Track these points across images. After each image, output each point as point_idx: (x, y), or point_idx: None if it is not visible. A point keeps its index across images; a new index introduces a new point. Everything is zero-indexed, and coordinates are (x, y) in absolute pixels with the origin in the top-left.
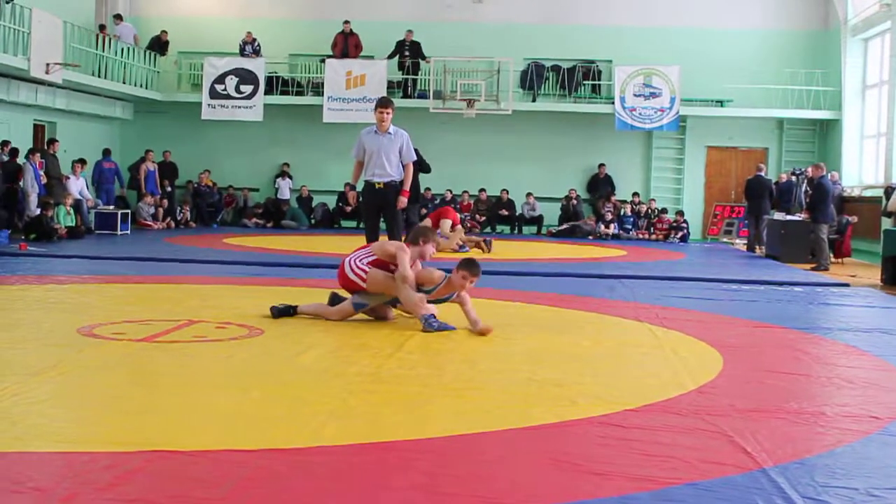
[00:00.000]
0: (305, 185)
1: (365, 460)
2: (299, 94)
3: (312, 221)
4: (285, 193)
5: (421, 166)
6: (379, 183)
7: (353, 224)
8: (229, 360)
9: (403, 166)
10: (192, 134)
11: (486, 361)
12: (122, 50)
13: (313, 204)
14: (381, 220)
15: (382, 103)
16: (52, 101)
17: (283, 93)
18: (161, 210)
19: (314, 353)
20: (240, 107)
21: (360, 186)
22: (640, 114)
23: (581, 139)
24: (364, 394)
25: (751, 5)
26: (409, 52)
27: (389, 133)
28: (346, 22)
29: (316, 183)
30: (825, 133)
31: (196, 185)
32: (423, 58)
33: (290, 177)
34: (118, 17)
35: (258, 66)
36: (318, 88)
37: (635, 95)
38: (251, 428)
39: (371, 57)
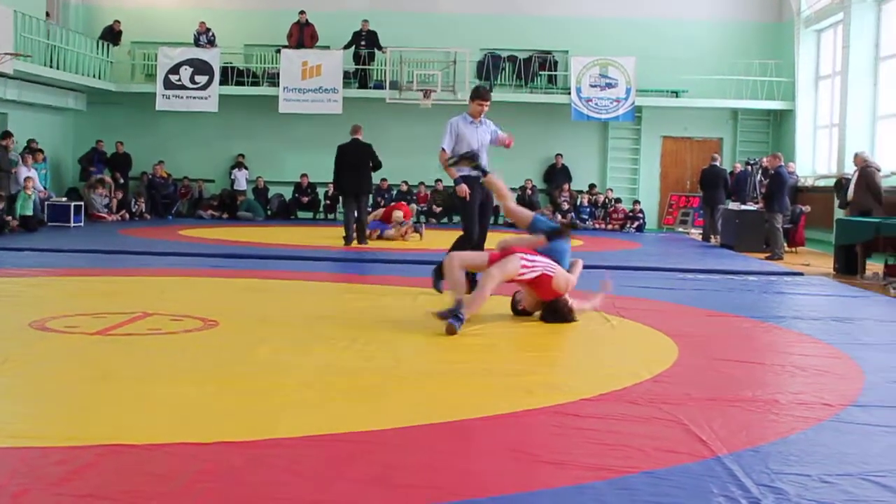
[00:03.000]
0: (261, 176)
1: (320, 452)
2: (255, 84)
3: (269, 212)
4: (241, 184)
5: (373, 163)
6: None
7: (309, 215)
8: (184, 353)
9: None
10: (147, 125)
11: (444, 353)
12: (75, 40)
13: (269, 195)
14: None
15: (484, 95)
16: (2, 91)
17: (239, 83)
18: (115, 202)
19: (270, 345)
20: (195, 97)
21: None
22: (596, 104)
23: (537, 129)
24: (320, 386)
25: None
26: (365, 43)
27: (483, 123)
28: (302, 12)
29: (272, 174)
30: (779, 123)
31: (150, 177)
32: (380, 48)
33: (246, 168)
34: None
35: (213, 57)
36: (273, 79)
37: (591, 86)
38: (205, 421)
39: (327, 47)
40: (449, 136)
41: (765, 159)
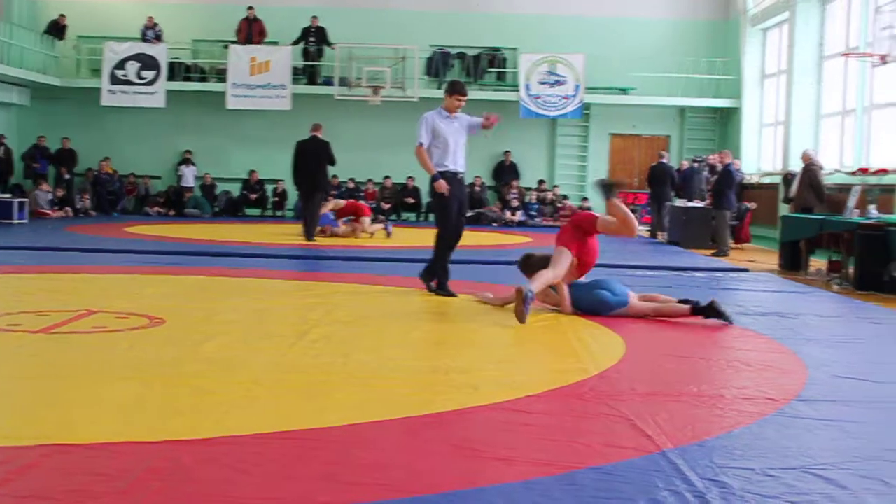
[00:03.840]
0: (209, 173)
1: (269, 450)
2: (202, 80)
3: (216, 209)
4: (189, 181)
5: (330, 160)
6: (461, 173)
7: (257, 212)
8: (130, 351)
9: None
10: (92, 120)
11: (391, 349)
12: (19, 34)
13: (217, 192)
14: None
15: (461, 90)
16: None
17: (186, 79)
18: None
19: (217, 342)
20: (141, 93)
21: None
22: (544, 101)
23: None
24: (268, 383)
25: None
26: (314, 39)
27: (458, 117)
28: (251, 8)
29: (220, 170)
30: (725, 121)
31: (96, 173)
32: (329, 44)
33: (194, 164)
34: None
35: (160, 52)
36: (221, 74)
37: (540, 83)
38: (152, 419)
39: (276, 43)
40: (425, 132)
41: (711, 156)
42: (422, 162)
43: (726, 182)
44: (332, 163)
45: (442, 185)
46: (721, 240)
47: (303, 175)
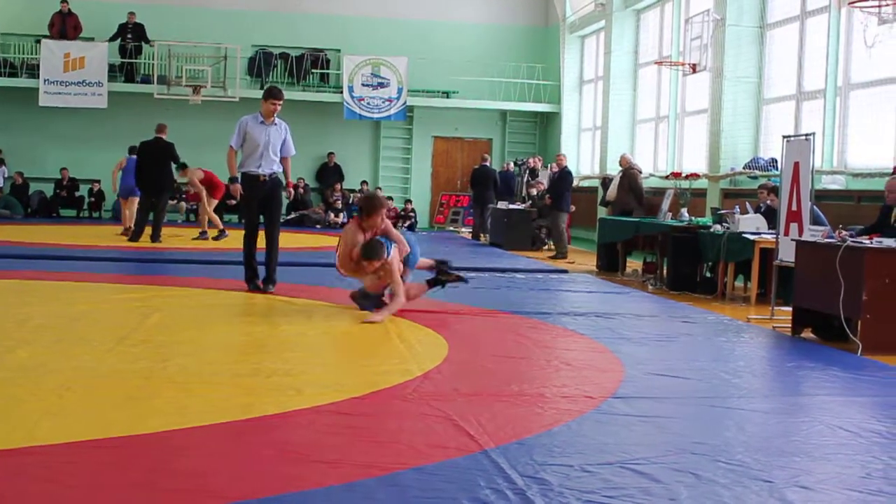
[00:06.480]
0: (21, 172)
1: (83, 459)
2: (13, 75)
3: (29, 210)
4: None
5: (174, 159)
6: (264, 176)
7: (72, 213)
8: None
9: (282, 159)
10: None
11: (212, 353)
12: None
13: (30, 192)
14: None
15: (276, 95)
16: None
17: None
18: None
19: (29, 348)
20: None
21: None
22: (368, 103)
23: (310, 128)
24: (83, 390)
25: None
26: (131, 36)
27: (275, 124)
28: (64, 1)
29: (32, 170)
30: (546, 125)
31: None
32: (147, 41)
33: (4, 163)
34: None
35: None
36: (33, 70)
37: (363, 85)
38: None
39: (91, 39)
40: (237, 135)
41: (531, 160)
42: (227, 163)
43: (565, 185)
44: (177, 163)
45: (236, 188)
46: (559, 242)
47: (147, 176)
